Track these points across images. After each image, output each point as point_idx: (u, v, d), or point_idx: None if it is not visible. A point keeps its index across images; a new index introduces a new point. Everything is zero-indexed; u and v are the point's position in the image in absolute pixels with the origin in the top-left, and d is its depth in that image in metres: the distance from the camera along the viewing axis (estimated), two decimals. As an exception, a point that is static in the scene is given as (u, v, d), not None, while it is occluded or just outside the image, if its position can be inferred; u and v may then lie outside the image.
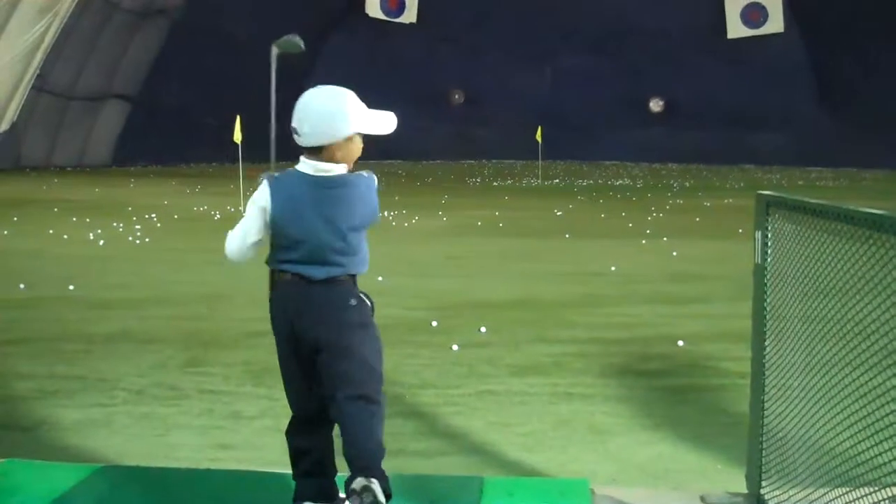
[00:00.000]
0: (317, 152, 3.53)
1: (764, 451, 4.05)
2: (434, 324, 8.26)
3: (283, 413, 5.73)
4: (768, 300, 3.95)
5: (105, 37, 33.25)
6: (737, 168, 40.35)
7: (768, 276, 3.92)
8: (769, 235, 3.88)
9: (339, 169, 3.56)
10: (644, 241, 14.64)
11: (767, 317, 3.95)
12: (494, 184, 30.07)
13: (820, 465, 3.46)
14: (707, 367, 6.98)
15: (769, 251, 3.89)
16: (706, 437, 5.34)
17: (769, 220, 3.87)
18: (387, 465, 4.74)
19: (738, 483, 4.26)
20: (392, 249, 13.65)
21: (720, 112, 42.88)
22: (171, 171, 34.24)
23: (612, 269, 11.57)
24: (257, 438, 5.32)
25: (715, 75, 43.49)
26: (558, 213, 19.55)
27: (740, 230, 14.34)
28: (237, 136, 18.57)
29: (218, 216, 18.60)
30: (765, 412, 4.02)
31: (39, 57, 29.78)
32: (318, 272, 3.49)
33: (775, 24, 43.95)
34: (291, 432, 3.72)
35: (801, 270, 3.59)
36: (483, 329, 8.05)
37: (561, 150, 39.30)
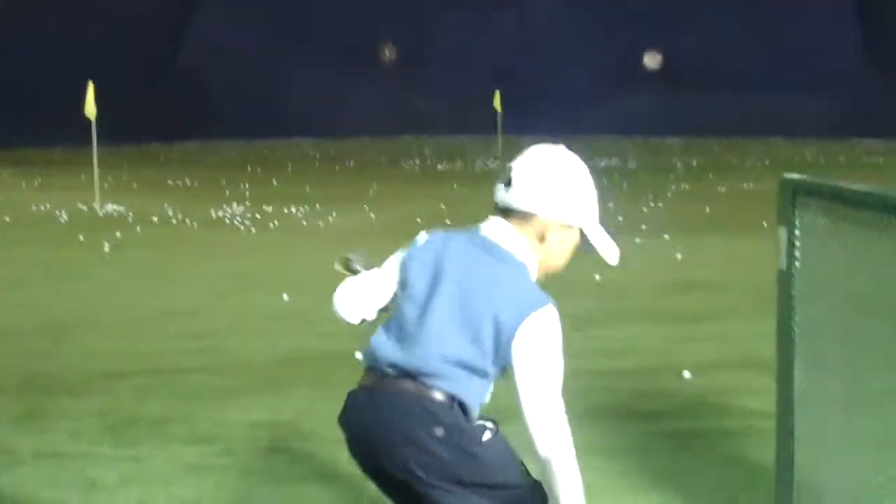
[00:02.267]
0: (520, 220, 3.40)
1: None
2: (359, 356, 8.25)
3: (153, 480, 5.72)
4: (797, 317, 3.98)
5: None
6: (759, 141, 40.80)
7: (796, 286, 3.95)
8: (797, 233, 3.90)
9: (527, 261, 3.42)
10: (639, 240, 14.75)
11: (797, 338, 3.98)
12: (439, 167, 30.14)
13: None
14: (720, 406, 7.04)
15: (797, 253, 3.92)
16: (720, 495, 5.37)
17: (797, 212, 3.89)
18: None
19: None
20: (302, 259, 13.61)
21: (736, 70, 43.34)
22: (0, 156, 33.78)
23: (597, 277, 11.62)
24: (119, 515, 5.27)
25: (729, 23, 43.93)
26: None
27: (764, 223, 14.50)
28: (89, 110, 18.37)
29: (65, 218, 18.38)
30: (795, 462, 4.06)
31: None
32: None
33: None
34: None
35: (839, 279, 3.62)
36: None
37: (526, 123, 39.43)
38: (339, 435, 6.31)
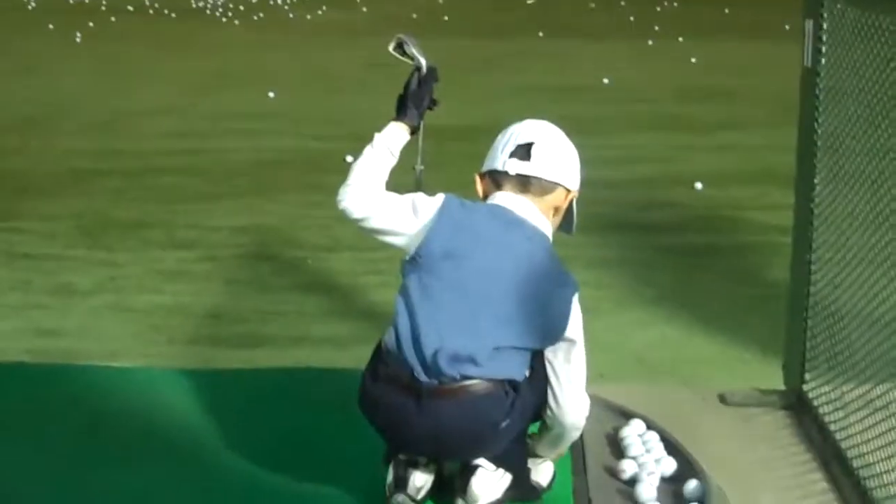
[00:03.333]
0: (539, 193, 3.42)
1: (809, 334, 4.13)
2: (349, 159, 8.20)
3: (128, 286, 5.75)
4: (820, 122, 3.95)
5: None
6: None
7: (821, 88, 3.90)
8: (825, 26, 3.84)
9: (547, 231, 3.48)
10: (651, 42, 14.63)
11: (819, 146, 3.96)
12: (438, -42, 29.63)
13: (885, 351, 3.53)
14: (734, 220, 7.05)
15: (824, 49, 3.87)
16: (729, 314, 5.41)
17: (825, 2, 3.83)
18: (286, 355, 4.79)
19: (771, 377, 4.35)
20: (290, 54, 13.50)
21: None
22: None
23: (605, 81, 11.55)
24: (94, 321, 5.32)
25: None
26: (528, 0, 19.37)
27: (787, 26, 14.34)
28: None
29: (33, 4, 18.15)
30: (812, 279, 4.08)
31: None
32: None
33: None
34: None
35: (868, 82, 3.57)
36: (419, 168, 8.03)
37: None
38: (326, 242, 6.38)
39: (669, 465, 3.61)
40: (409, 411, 3.26)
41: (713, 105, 10.76)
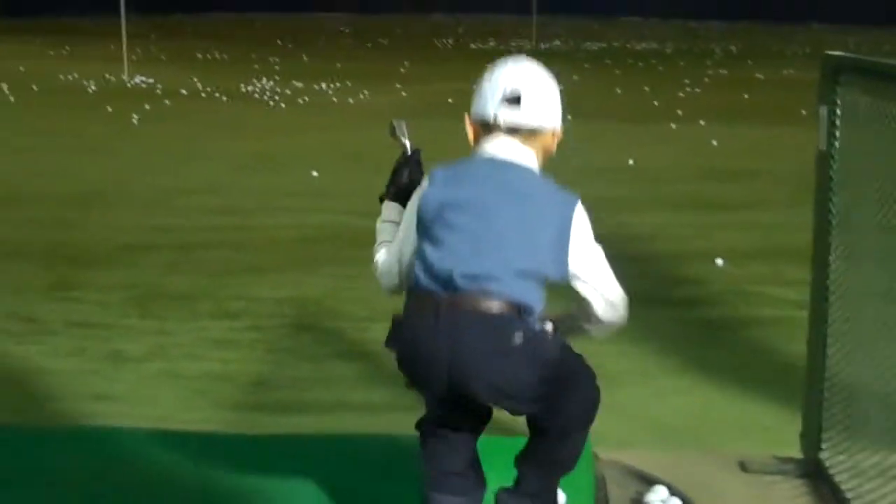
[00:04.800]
0: (528, 137, 3.49)
1: (826, 404, 4.10)
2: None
3: (177, 354, 5.77)
4: (835, 202, 3.95)
5: None
6: (802, 27, 40.24)
7: (836, 169, 3.91)
8: (838, 112, 3.85)
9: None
10: (674, 126, 14.65)
11: (834, 224, 3.95)
12: (472, 46, 29.87)
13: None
14: (753, 295, 7.02)
15: (838, 133, 3.87)
16: (748, 384, 5.39)
17: (839, 90, 3.84)
18: (326, 421, 4.78)
19: (789, 445, 4.31)
20: (332, 136, 13.60)
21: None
22: (30, 25, 33.69)
23: (630, 162, 11.57)
24: (144, 386, 5.33)
25: None
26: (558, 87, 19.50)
27: (803, 112, 14.36)
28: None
29: (93, 88, 18.38)
30: (828, 352, 4.05)
31: None
32: None
33: None
34: None
35: (881, 162, 3.57)
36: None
37: (560, 2, 38.99)
38: (365, 313, 6.38)
39: (692, 529, 3.58)
40: (429, 325, 3.31)
41: (733, 185, 10.75)
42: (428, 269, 3.35)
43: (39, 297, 6.72)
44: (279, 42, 29.03)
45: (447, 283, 3.30)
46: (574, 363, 3.39)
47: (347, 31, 34.87)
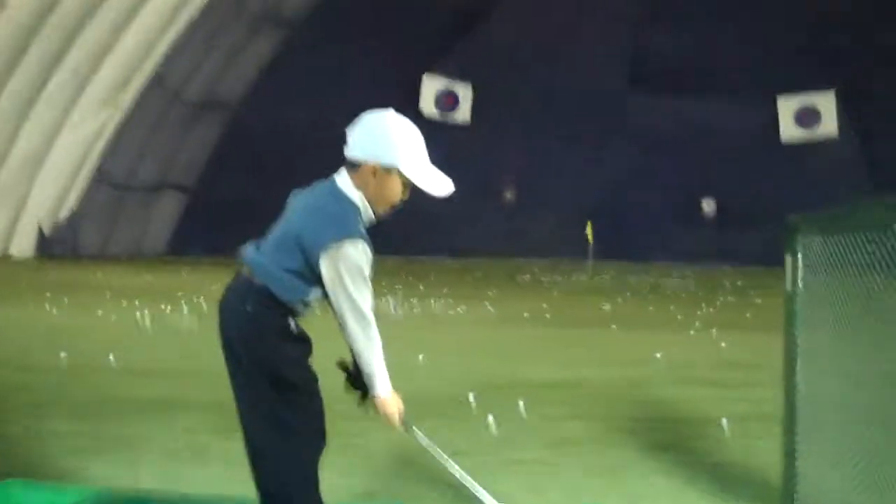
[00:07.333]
0: (353, 169, 3.44)
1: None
2: (472, 398, 8.19)
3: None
4: (799, 333, 3.87)
5: (164, 128, 34.20)
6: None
7: (799, 304, 3.84)
8: (799, 259, 3.81)
9: (354, 196, 3.45)
10: (692, 333, 14.46)
11: (799, 354, 3.86)
12: (543, 280, 29.99)
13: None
14: (750, 446, 6.83)
15: (799, 279, 3.82)
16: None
17: (799, 242, 3.81)
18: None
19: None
20: (436, 334, 13.64)
21: (774, 212, 42.51)
22: (225, 261, 34.60)
23: (657, 356, 11.41)
24: None
25: (769, 176, 43.27)
26: (605, 307, 19.43)
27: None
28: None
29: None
30: (797, 454, 3.90)
31: (100, 146, 30.71)
32: None
33: (829, 126, 43.87)
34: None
35: (836, 303, 3.50)
36: (521, 404, 7.97)
37: (611, 249, 39.21)
38: (448, 449, 6.26)
39: None
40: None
41: (736, 372, 10.56)
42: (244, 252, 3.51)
43: (208, 436, 6.70)
44: (402, 275, 29.43)
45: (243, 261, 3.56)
46: (297, 373, 3.55)
47: (452, 266, 35.30)
